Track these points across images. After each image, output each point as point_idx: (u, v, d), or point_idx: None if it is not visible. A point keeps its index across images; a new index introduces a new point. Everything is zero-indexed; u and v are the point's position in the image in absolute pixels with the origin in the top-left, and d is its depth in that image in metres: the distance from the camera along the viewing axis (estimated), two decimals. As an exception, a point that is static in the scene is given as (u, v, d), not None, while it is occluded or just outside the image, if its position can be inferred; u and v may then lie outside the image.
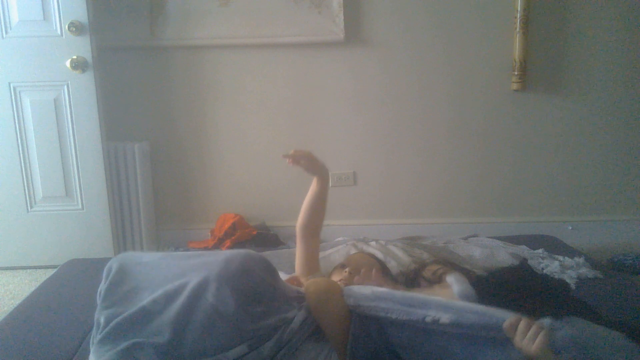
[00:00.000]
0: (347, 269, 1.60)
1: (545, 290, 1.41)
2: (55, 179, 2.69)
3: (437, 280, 1.55)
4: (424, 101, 2.87)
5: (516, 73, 2.74)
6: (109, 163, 2.72)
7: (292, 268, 1.93)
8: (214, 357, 1.16)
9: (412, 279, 1.64)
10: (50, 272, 2.13)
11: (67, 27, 2.51)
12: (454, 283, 1.41)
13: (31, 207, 2.73)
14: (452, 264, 1.68)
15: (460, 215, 2.99)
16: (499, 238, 2.35)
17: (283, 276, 1.51)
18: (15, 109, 2.62)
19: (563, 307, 1.29)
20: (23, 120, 2.64)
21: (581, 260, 2.02)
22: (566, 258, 2.05)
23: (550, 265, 1.99)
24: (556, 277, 1.88)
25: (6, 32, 2.56)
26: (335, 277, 1.61)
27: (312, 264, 1.72)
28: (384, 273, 1.64)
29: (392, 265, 1.81)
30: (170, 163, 2.95)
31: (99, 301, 1.26)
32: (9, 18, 2.55)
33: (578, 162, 2.93)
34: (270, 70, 2.85)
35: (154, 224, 2.93)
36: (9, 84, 2.60)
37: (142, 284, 1.26)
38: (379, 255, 1.92)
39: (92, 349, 1.22)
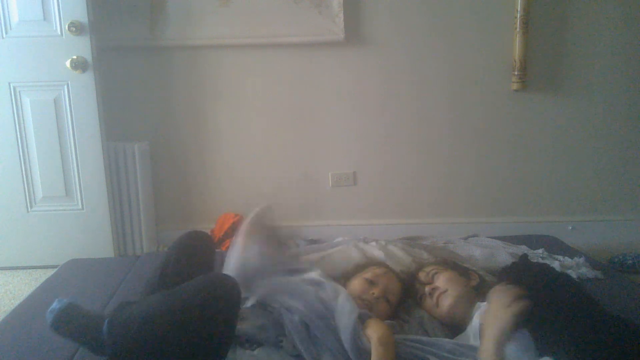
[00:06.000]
0: (374, 292, 1.51)
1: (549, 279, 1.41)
2: (55, 179, 2.69)
3: (429, 281, 1.57)
4: (424, 101, 2.87)
5: (516, 73, 2.74)
6: (109, 163, 2.72)
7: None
8: None
9: (411, 284, 1.65)
10: (50, 272, 2.13)
11: (67, 27, 2.51)
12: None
13: (31, 207, 2.73)
14: (453, 264, 1.68)
15: (460, 215, 2.99)
16: (499, 238, 2.34)
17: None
18: (15, 109, 2.62)
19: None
20: (23, 120, 2.64)
21: (581, 260, 2.02)
22: (566, 258, 2.05)
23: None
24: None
25: (6, 32, 2.56)
26: (357, 286, 1.54)
27: None
28: (403, 296, 1.60)
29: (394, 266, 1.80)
30: (170, 163, 2.95)
31: None
32: (9, 18, 2.55)
33: (578, 162, 2.93)
34: (270, 70, 2.85)
35: (153, 224, 2.93)
36: (9, 84, 2.60)
37: None
38: (382, 255, 1.92)
39: None
